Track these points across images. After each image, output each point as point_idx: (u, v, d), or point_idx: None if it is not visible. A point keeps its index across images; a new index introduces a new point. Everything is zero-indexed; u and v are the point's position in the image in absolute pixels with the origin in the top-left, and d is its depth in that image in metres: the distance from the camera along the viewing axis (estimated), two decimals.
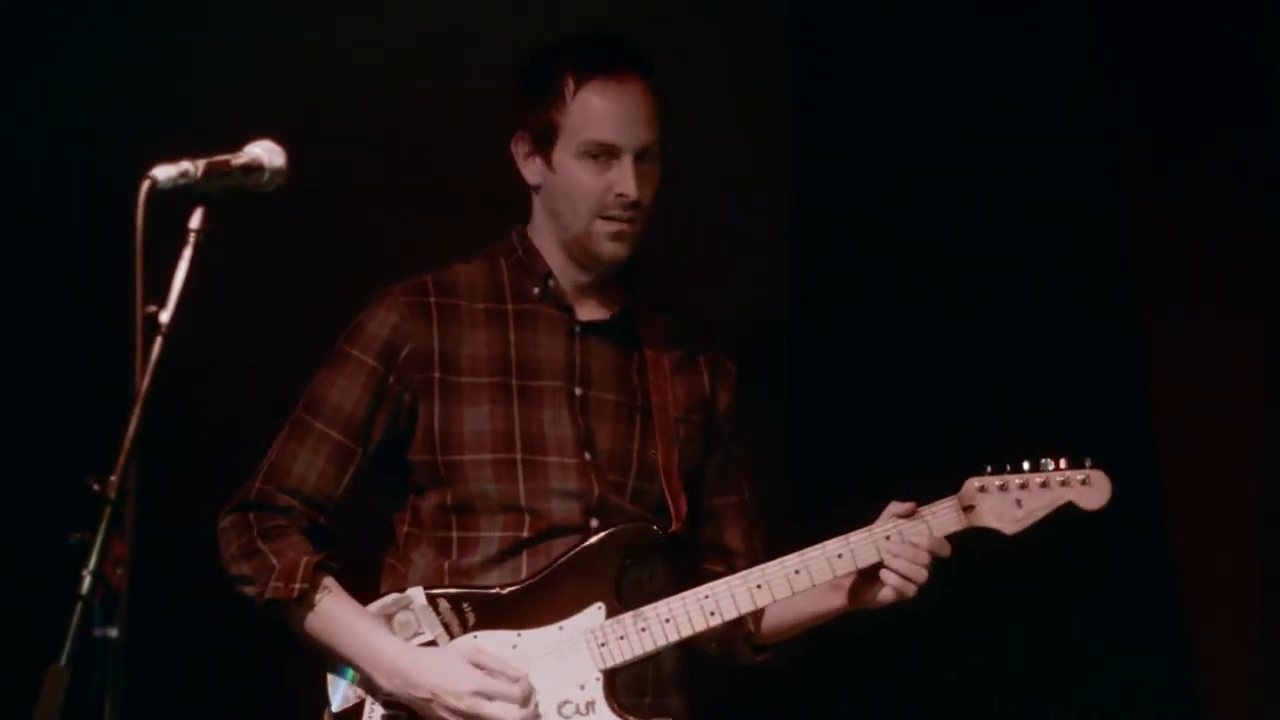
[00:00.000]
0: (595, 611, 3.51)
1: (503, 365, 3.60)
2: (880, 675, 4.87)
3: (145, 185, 2.70)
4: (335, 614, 3.50)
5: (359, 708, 3.52)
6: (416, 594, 3.53)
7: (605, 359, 3.65)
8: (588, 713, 3.48)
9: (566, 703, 3.49)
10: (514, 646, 3.50)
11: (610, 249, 3.59)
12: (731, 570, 3.59)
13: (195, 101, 4.71)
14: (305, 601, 3.49)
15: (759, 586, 3.52)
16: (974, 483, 3.56)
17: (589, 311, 3.66)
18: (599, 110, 3.56)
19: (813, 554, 3.53)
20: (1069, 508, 3.55)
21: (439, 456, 3.57)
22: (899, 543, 3.50)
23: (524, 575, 3.53)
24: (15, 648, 3.61)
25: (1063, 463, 3.57)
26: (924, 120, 4.93)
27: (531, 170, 3.64)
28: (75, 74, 4.82)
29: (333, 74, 4.86)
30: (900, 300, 4.95)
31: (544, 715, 3.47)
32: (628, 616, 3.50)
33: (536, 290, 3.65)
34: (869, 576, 3.54)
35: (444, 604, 3.52)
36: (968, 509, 3.54)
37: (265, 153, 2.85)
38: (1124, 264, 4.79)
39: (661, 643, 3.51)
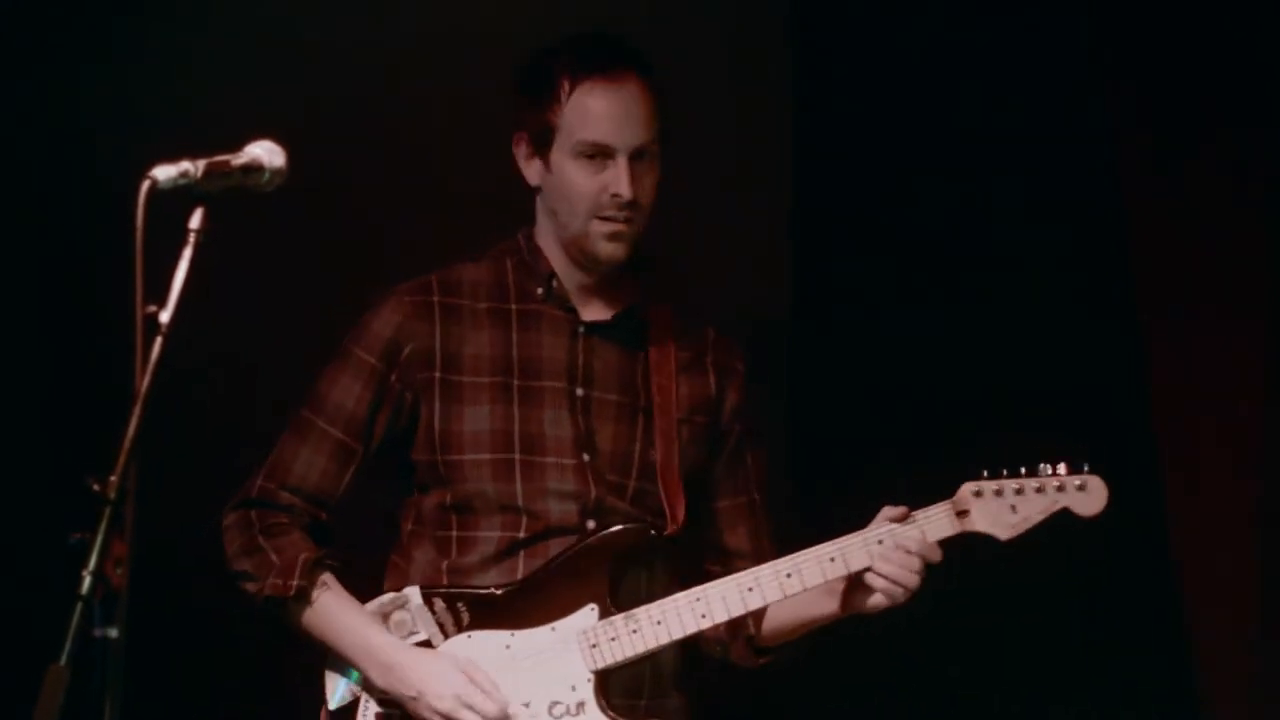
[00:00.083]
0: (588, 613, 3.51)
1: (504, 365, 3.61)
2: (880, 675, 4.86)
3: (145, 185, 2.70)
4: (332, 611, 3.52)
5: (354, 705, 3.53)
6: (413, 593, 3.54)
7: (609, 359, 3.65)
8: (578, 713, 3.48)
9: (557, 703, 3.49)
10: (507, 646, 3.50)
11: (607, 249, 3.59)
12: (729, 571, 3.58)
13: (195, 101, 4.71)
14: (303, 598, 3.51)
15: (750, 589, 3.51)
16: (969, 487, 3.53)
17: (593, 312, 3.66)
18: (594, 111, 3.56)
19: (805, 557, 3.52)
20: (1064, 514, 3.54)
21: (439, 456, 3.58)
22: (890, 547, 3.48)
23: (520, 575, 3.54)
24: (15, 648, 3.60)
25: (1061, 468, 3.54)
26: (924, 120, 4.92)
27: (532, 171, 3.64)
28: (75, 74, 4.81)
29: (333, 74, 4.85)
30: (900, 300, 4.94)
31: (535, 716, 3.47)
32: (620, 618, 3.50)
33: (540, 291, 3.65)
34: (862, 581, 3.52)
35: (439, 603, 3.53)
36: (962, 514, 3.52)
37: (265, 153, 2.85)
38: (1124, 264, 4.78)
39: (653, 644, 3.51)
